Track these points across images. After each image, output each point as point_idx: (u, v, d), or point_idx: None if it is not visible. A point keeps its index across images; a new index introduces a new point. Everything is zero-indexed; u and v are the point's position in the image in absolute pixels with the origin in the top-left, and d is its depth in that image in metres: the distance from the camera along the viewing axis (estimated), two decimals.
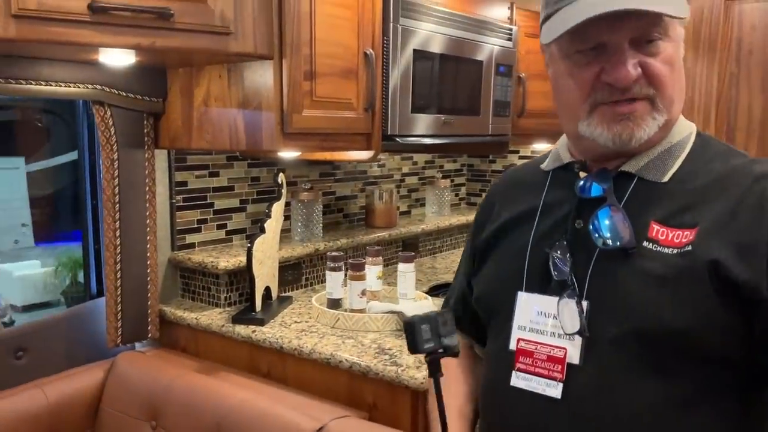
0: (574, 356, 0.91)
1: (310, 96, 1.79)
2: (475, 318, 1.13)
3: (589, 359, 0.90)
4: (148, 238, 1.99)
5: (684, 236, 0.88)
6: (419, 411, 1.56)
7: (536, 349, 0.95)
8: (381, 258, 2.01)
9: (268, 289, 2.04)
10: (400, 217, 2.98)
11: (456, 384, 1.14)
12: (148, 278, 2.00)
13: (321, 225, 2.47)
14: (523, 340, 0.97)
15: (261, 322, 1.90)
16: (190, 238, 2.19)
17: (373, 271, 1.98)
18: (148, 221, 1.98)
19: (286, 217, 2.40)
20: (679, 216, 0.90)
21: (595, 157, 0.99)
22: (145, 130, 1.95)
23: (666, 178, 0.94)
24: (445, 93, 2.27)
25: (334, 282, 1.98)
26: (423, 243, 2.93)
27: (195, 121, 1.89)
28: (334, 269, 1.98)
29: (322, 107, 1.83)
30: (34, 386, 1.77)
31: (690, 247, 0.86)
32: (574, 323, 0.91)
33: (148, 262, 1.99)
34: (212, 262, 2.04)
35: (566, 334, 0.92)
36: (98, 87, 1.79)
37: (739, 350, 0.86)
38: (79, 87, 1.75)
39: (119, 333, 1.94)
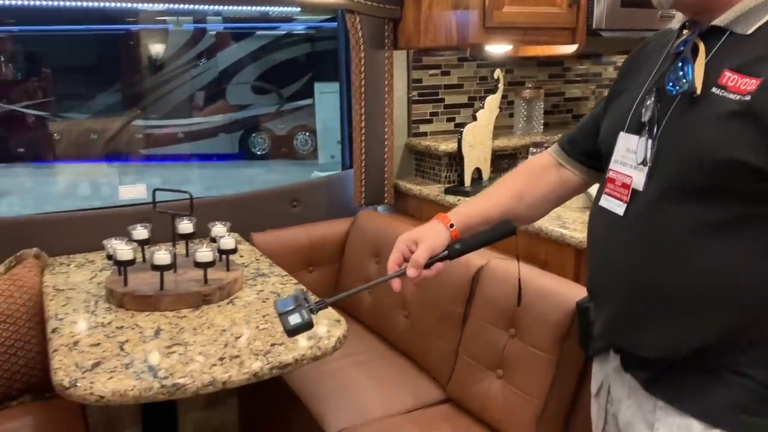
0: (639, 183, 1.09)
1: None
2: (584, 148, 1.31)
3: (649, 186, 1.07)
4: (386, 124, 2.47)
5: (749, 84, 0.95)
6: (581, 265, 1.79)
7: (617, 177, 1.15)
8: None
9: (479, 171, 2.39)
10: None
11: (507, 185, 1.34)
12: (386, 156, 2.50)
13: (542, 121, 2.69)
14: (613, 170, 1.17)
15: (467, 194, 2.26)
16: (423, 128, 2.62)
17: None
18: (386, 110, 2.46)
19: (510, 115, 2.69)
20: (752, 65, 0.97)
21: (694, 14, 1.10)
22: (386, 34, 2.40)
23: (751, 30, 1.00)
24: None
25: None
26: None
27: (422, 23, 2.28)
28: (534, 154, 2.23)
29: (522, 3, 2.05)
30: (302, 228, 2.43)
31: (749, 98, 0.94)
32: (642, 155, 1.09)
33: (386, 144, 2.48)
34: (435, 146, 2.45)
35: (637, 164, 1.10)
36: None
37: None
38: None
39: (362, 196, 2.49)
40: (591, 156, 1.29)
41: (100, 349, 1.46)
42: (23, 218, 2.11)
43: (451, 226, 1.23)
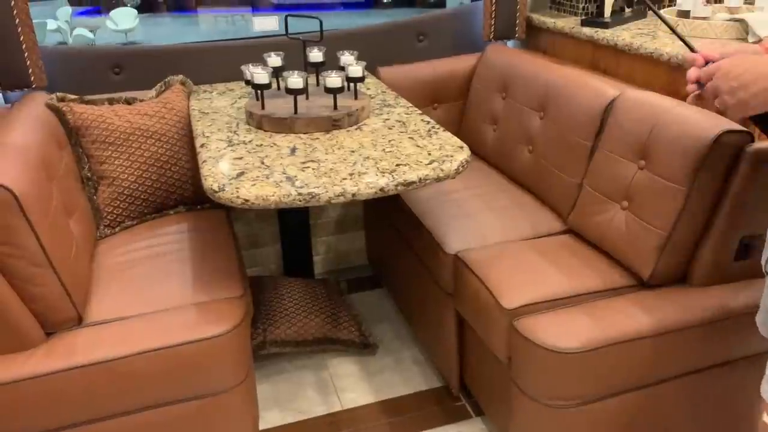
0: None
1: None
2: None
3: None
4: None
5: None
6: None
7: None
8: None
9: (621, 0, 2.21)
10: None
11: None
12: None
13: None
14: None
15: (605, 26, 2.12)
16: None
17: None
18: None
19: None
20: None
21: None
22: None
23: None
24: None
25: None
26: None
27: None
28: None
29: None
30: (428, 63, 2.41)
31: None
32: None
33: None
34: None
35: None
36: None
37: None
38: None
39: (492, 30, 2.40)
40: None
41: (243, 162, 1.59)
42: (169, 47, 2.25)
43: None
